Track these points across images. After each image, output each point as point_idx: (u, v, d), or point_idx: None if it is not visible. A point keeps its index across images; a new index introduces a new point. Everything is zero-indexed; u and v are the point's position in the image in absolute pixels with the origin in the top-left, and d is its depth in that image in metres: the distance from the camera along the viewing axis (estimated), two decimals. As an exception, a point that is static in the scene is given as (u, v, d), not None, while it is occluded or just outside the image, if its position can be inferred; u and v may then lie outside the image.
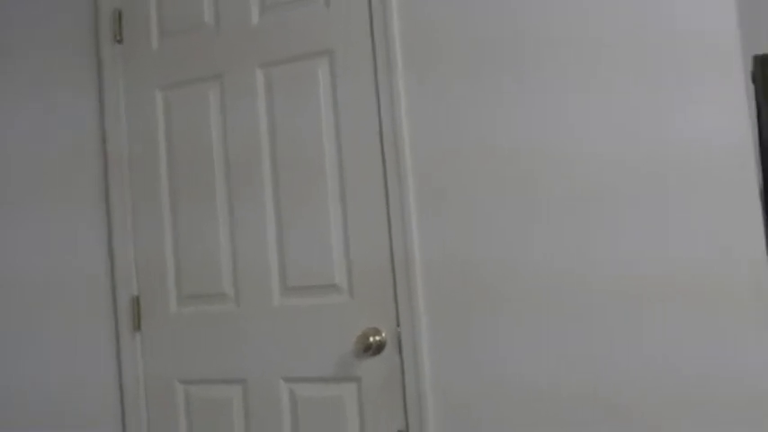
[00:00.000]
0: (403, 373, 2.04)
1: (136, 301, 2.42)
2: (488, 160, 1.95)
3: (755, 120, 1.93)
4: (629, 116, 1.81)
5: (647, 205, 1.79)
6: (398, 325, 2.05)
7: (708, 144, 1.73)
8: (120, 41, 2.46)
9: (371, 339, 2.04)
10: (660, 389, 1.77)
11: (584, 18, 1.85)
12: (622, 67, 1.81)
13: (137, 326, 2.42)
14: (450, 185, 1.99)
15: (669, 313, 1.77)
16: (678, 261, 1.76)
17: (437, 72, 2.01)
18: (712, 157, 1.73)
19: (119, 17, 2.47)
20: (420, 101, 2.03)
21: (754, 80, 1.82)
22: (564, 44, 1.87)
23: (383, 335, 2.06)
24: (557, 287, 1.87)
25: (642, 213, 1.79)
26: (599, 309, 1.83)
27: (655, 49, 1.79)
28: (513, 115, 1.93)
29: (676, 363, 1.76)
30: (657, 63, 1.78)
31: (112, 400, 2.42)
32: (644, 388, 1.79)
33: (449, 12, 2.00)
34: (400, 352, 2.04)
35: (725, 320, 1.72)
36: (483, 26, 1.96)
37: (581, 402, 1.84)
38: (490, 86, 1.95)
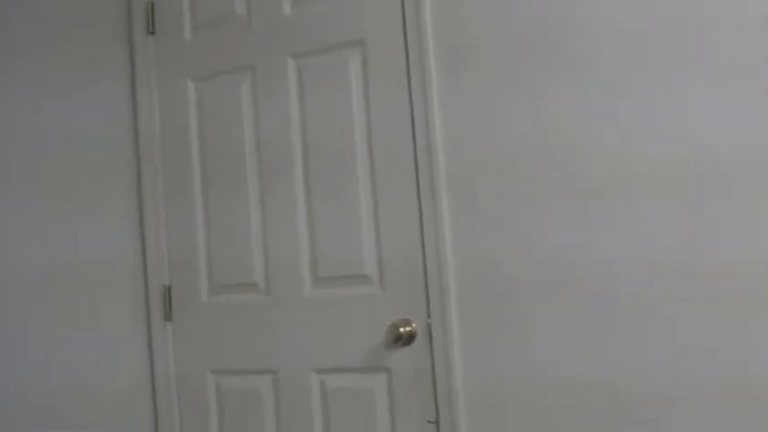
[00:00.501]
0: (433, 364, 2.03)
1: (167, 291, 2.44)
2: (522, 155, 1.94)
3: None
4: (667, 112, 1.78)
5: (686, 201, 1.76)
6: (429, 316, 2.04)
7: (755, 141, 1.71)
8: (152, 33, 2.48)
9: (402, 330, 2.03)
10: (694, 384, 1.75)
11: (628, 11, 1.83)
12: (665, 62, 1.79)
13: (168, 316, 2.43)
14: (484, 179, 1.98)
15: (706, 309, 1.74)
16: (717, 257, 1.73)
17: (471, 64, 2.00)
18: (761, 155, 1.70)
19: (151, 9, 2.48)
20: (453, 94, 2.02)
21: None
22: (602, 38, 1.85)
23: (414, 326, 2.06)
24: (589, 281, 1.85)
25: (679, 208, 1.77)
26: (632, 304, 1.81)
27: (703, 41, 1.76)
28: (548, 109, 1.91)
29: (712, 359, 1.73)
30: (705, 56, 1.76)
31: (144, 390, 2.44)
32: (678, 383, 1.76)
33: (484, 1, 1.99)
34: (431, 343, 2.04)
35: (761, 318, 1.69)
36: (520, 19, 1.94)
37: (612, 396, 1.82)
38: (525, 80, 1.93)
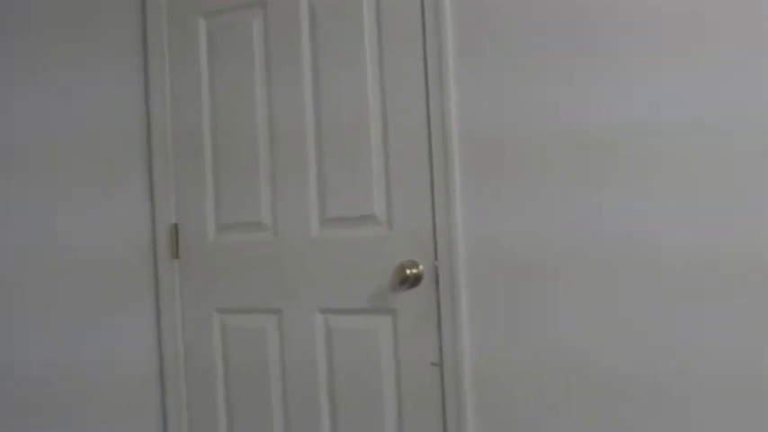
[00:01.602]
0: (439, 306, 2.02)
1: (174, 229, 2.43)
2: (540, 130, 1.90)
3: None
4: (684, 93, 1.74)
5: (710, 184, 1.72)
6: (436, 258, 2.02)
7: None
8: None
9: (408, 272, 2.02)
10: (711, 371, 1.73)
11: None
12: (683, 43, 1.74)
13: (175, 253, 2.43)
14: (496, 144, 1.95)
15: (728, 297, 1.71)
16: (740, 243, 1.69)
17: (488, 42, 1.95)
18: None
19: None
20: (469, 69, 1.98)
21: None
22: (618, 18, 1.81)
23: (420, 268, 2.04)
24: (600, 259, 1.83)
25: (705, 192, 1.72)
26: (649, 286, 1.79)
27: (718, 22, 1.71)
28: (565, 88, 1.86)
29: (731, 347, 1.71)
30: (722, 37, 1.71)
31: (150, 329, 2.44)
32: (697, 369, 1.74)
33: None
34: (437, 285, 2.02)
35: None
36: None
37: (616, 374, 1.81)
38: (542, 60, 1.88)
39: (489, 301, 1.96)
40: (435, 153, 2.01)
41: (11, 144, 2.16)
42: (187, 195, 2.41)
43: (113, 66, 2.41)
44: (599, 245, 1.83)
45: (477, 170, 1.97)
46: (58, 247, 2.24)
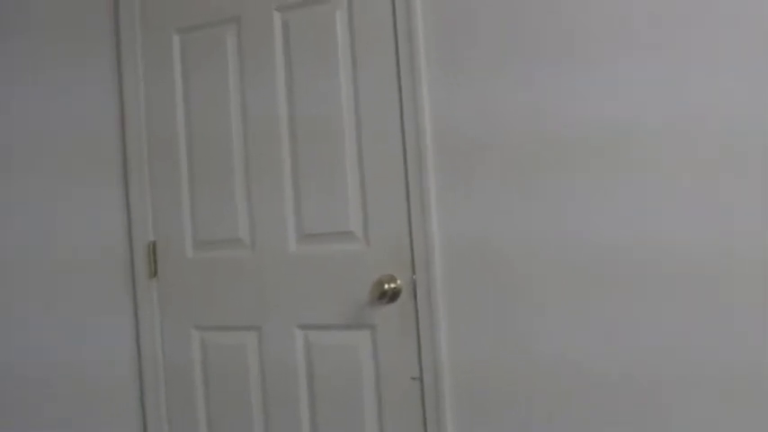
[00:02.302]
0: (417, 320, 2.02)
1: (152, 247, 2.42)
2: (516, 140, 1.91)
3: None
4: (657, 86, 1.76)
5: (689, 180, 1.74)
6: (414, 272, 2.03)
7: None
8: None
9: (386, 287, 2.02)
10: (680, 369, 1.74)
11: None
12: (656, 39, 1.76)
13: (153, 272, 2.42)
14: (469, 147, 1.96)
15: (696, 295, 1.73)
16: (711, 242, 1.71)
17: (460, 40, 1.96)
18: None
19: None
20: (442, 70, 1.99)
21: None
22: (591, 17, 1.83)
23: (398, 282, 2.05)
24: (581, 266, 1.84)
25: (680, 188, 1.74)
26: (618, 285, 1.80)
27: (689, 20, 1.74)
28: (538, 85, 1.87)
29: (701, 344, 1.73)
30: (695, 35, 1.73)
31: (129, 346, 2.43)
32: (666, 367, 1.76)
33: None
34: (415, 299, 2.03)
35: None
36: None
37: (585, 374, 1.82)
38: (515, 57, 1.90)
39: (468, 314, 1.96)
40: (410, 168, 2.02)
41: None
42: (165, 213, 2.40)
43: (86, 81, 2.39)
44: (578, 252, 1.84)
45: (452, 183, 1.98)
46: (38, 261, 2.23)
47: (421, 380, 2.02)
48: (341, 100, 2.12)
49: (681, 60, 1.74)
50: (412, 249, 2.03)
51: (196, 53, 2.35)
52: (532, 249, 1.89)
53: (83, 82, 2.39)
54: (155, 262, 2.42)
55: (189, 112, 2.36)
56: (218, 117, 2.31)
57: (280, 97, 2.21)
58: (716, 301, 1.71)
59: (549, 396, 1.87)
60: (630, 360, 1.79)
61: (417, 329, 2.02)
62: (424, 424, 2.01)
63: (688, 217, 1.73)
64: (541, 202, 1.88)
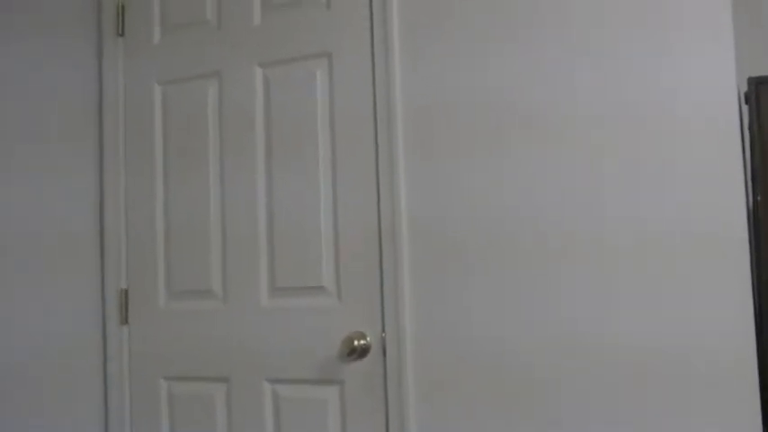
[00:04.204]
0: (386, 378, 2.04)
1: (124, 294, 2.42)
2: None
3: (748, 139, 1.93)
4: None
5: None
6: (384, 330, 2.05)
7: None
8: (122, 35, 2.47)
9: (356, 343, 2.04)
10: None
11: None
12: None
13: (124, 319, 2.42)
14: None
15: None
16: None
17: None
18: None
19: (122, 10, 2.48)
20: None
21: (747, 101, 1.83)
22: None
23: (368, 339, 2.06)
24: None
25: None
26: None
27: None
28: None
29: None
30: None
31: (97, 392, 2.41)
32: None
33: None
34: (384, 357, 2.04)
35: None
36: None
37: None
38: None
39: (438, 374, 1.98)
40: (384, 228, 2.05)
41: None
42: (138, 261, 2.41)
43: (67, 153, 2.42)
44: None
45: (424, 253, 2.01)
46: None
47: (387, 438, 2.03)
48: (318, 174, 2.16)
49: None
50: (383, 307, 2.05)
51: (177, 112, 2.38)
52: (508, 332, 1.91)
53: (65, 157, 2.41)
54: (126, 309, 2.42)
55: (167, 175, 2.38)
56: (197, 180, 2.33)
57: (259, 167, 2.25)
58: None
59: (513, 458, 1.89)
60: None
61: (385, 387, 2.04)
62: (390, 482, 2.01)
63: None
64: (523, 298, 1.91)
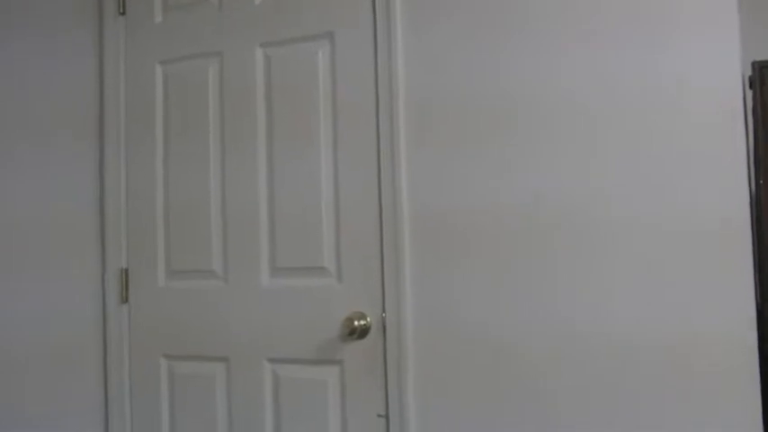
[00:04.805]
0: (385, 358, 2.04)
1: (124, 274, 2.42)
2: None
3: (752, 123, 1.92)
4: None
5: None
6: (384, 311, 2.05)
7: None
8: (123, 13, 2.46)
9: (356, 323, 2.04)
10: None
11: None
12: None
13: (124, 298, 2.42)
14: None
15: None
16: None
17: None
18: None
19: (123, -11, 2.47)
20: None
21: (751, 86, 1.83)
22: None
23: (368, 319, 2.07)
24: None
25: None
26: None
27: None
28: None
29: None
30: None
31: (97, 370, 2.42)
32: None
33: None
34: (384, 337, 2.05)
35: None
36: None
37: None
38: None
39: (437, 354, 1.99)
40: (385, 208, 2.05)
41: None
42: (139, 241, 2.41)
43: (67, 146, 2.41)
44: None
45: (424, 236, 2.01)
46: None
47: (387, 418, 2.03)
48: (320, 155, 2.16)
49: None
50: (383, 287, 2.05)
51: (178, 89, 2.37)
52: (506, 322, 1.92)
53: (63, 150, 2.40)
54: (126, 289, 2.42)
55: (167, 157, 2.38)
56: (197, 166, 2.33)
57: (260, 151, 2.24)
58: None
59: (512, 439, 1.90)
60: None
61: (385, 367, 2.04)
62: (389, 462, 2.03)
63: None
64: (521, 283, 1.91)
